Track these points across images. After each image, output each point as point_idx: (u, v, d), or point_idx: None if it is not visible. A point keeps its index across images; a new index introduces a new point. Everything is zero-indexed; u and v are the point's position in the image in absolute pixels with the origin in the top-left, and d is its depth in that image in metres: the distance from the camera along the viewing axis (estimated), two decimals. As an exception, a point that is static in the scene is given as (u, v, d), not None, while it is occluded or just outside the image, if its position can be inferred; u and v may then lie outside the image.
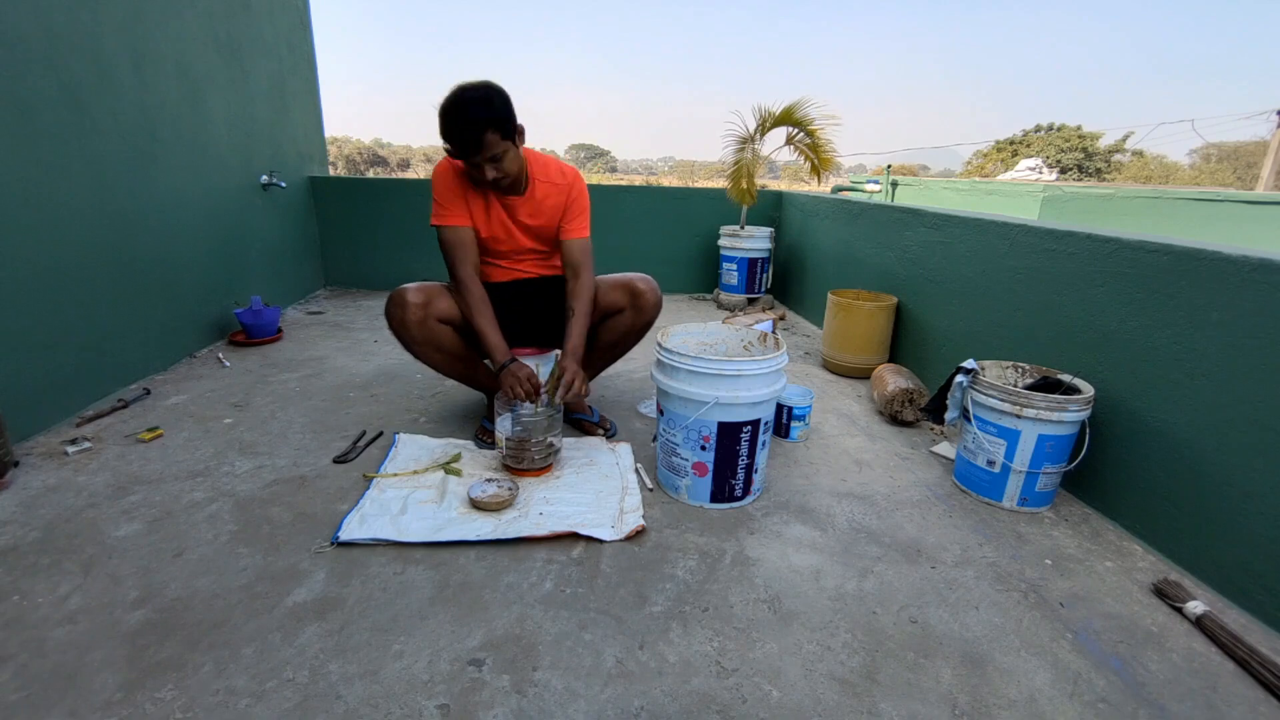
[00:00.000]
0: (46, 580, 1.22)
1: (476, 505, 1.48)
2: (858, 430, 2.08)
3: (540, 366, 1.89)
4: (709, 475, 1.54)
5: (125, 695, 0.98)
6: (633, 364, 2.56)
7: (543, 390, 1.67)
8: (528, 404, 1.68)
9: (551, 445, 1.67)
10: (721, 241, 3.84)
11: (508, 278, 1.87)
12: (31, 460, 1.67)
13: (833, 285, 3.00)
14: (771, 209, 4.12)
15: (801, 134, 3.53)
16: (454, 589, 1.24)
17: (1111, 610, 1.25)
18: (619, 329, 1.85)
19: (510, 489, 1.52)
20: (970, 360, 1.67)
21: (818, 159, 3.53)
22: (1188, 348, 1.39)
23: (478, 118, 1.52)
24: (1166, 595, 1.27)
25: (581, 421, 1.97)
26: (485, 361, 1.83)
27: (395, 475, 1.63)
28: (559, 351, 1.92)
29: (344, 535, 1.37)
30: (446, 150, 1.60)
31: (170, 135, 2.45)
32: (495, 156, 1.57)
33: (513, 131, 1.59)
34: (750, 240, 3.72)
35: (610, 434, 1.94)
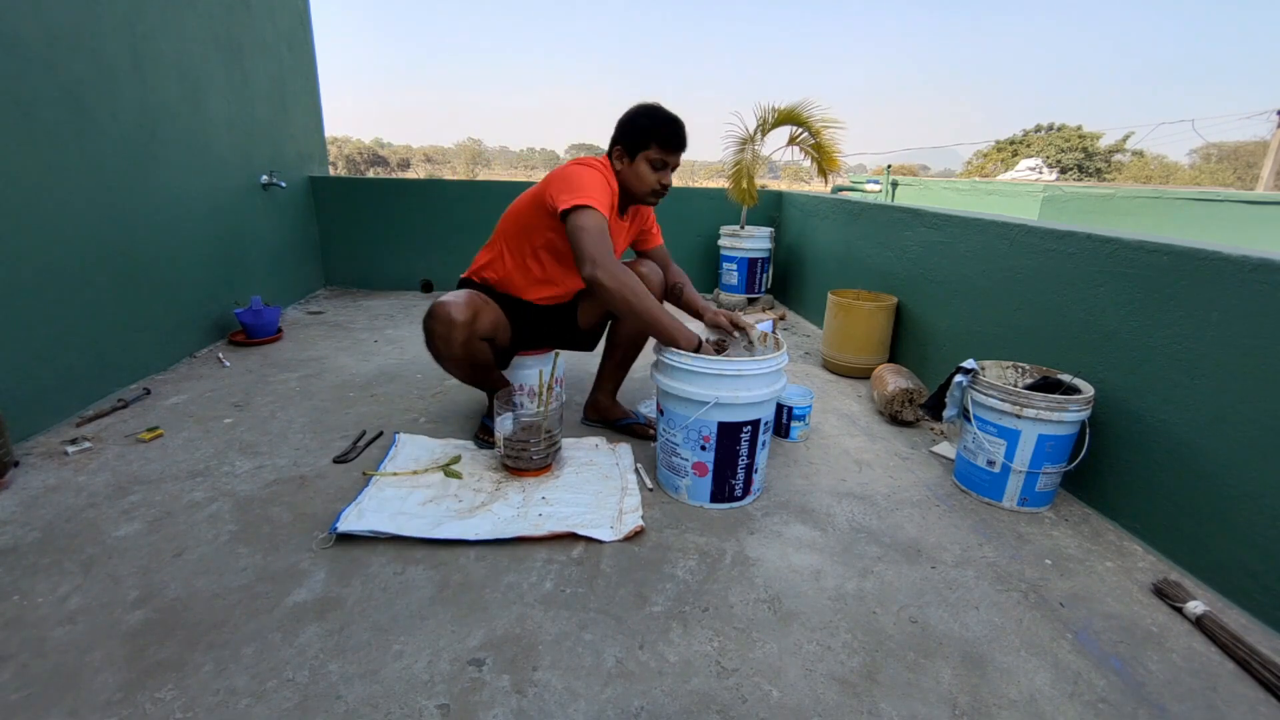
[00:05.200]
0: (46, 580, 1.22)
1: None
2: (858, 430, 2.08)
3: (541, 367, 1.89)
4: (709, 475, 1.54)
5: (125, 695, 0.98)
6: (634, 364, 2.56)
7: (541, 390, 1.67)
8: (528, 404, 1.68)
9: (552, 445, 1.67)
10: (721, 241, 3.84)
11: (553, 301, 1.85)
12: (31, 460, 1.67)
13: (833, 285, 3.01)
14: (771, 209, 4.12)
15: (805, 134, 3.53)
16: (454, 589, 1.24)
17: (1111, 610, 1.25)
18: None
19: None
20: (970, 360, 1.67)
21: (823, 159, 3.53)
22: (1188, 348, 1.39)
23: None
24: (1166, 595, 1.27)
25: (631, 426, 1.96)
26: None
27: (395, 475, 1.63)
28: (558, 351, 1.92)
29: (342, 527, 1.37)
30: (659, 141, 1.63)
31: (170, 135, 2.45)
32: (677, 165, 1.70)
33: None
34: (750, 240, 3.72)
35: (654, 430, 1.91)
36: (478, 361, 1.69)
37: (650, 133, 1.63)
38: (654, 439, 1.88)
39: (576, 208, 1.52)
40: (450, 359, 1.66)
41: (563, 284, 1.82)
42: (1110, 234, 1.61)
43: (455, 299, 1.61)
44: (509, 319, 1.76)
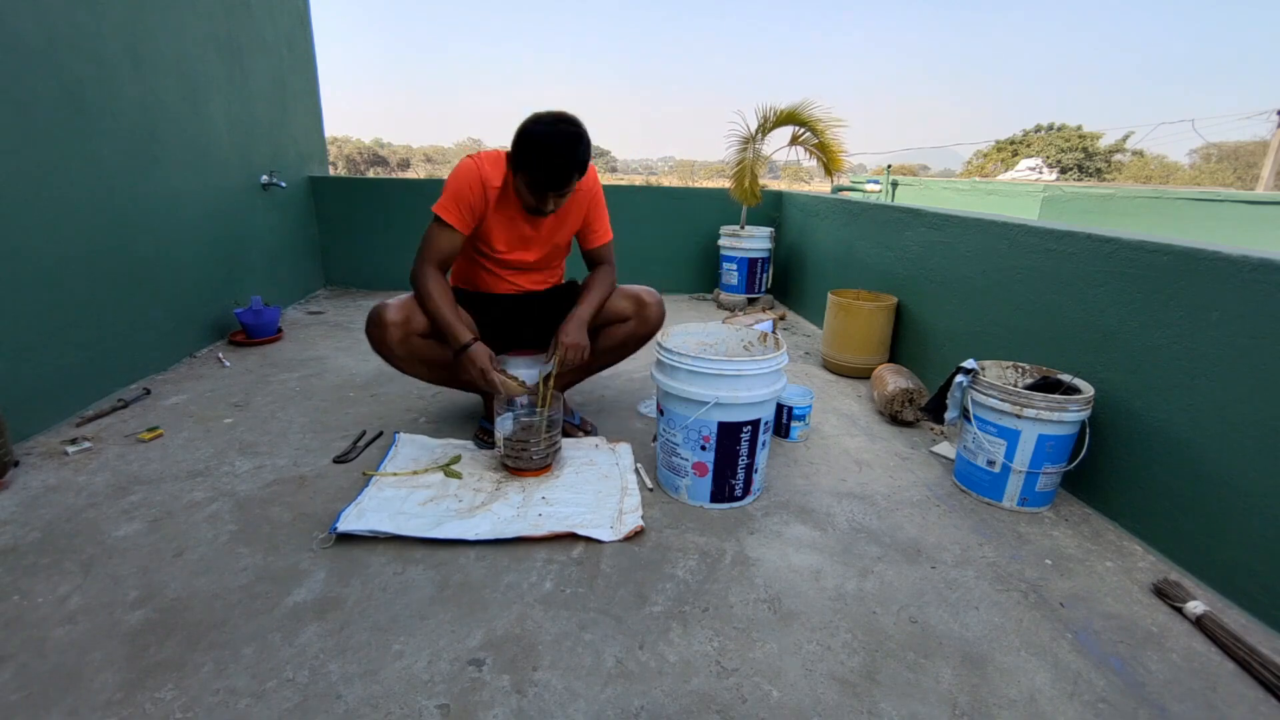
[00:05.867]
0: (46, 580, 1.22)
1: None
2: (858, 430, 2.08)
3: (536, 369, 1.89)
4: (709, 475, 1.54)
5: (125, 695, 0.98)
6: (633, 364, 2.55)
7: (538, 389, 1.67)
8: (529, 404, 1.68)
9: (552, 445, 1.67)
10: (721, 241, 3.84)
11: (511, 290, 1.86)
12: (31, 460, 1.67)
13: (833, 285, 3.00)
14: (771, 209, 4.12)
15: (808, 134, 3.54)
16: (454, 589, 1.24)
17: (1111, 610, 1.25)
18: (620, 335, 1.86)
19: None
20: (970, 360, 1.67)
21: (827, 159, 3.53)
22: (1188, 348, 1.39)
23: (579, 160, 1.52)
24: (1166, 595, 1.27)
25: (563, 424, 1.95)
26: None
27: (395, 474, 1.63)
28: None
29: (342, 526, 1.37)
30: (527, 176, 1.52)
31: (170, 135, 2.45)
32: (566, 193, 1.58)
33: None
34: (750, 240, 3.72)
35: (591, 434, 1.93)
36: (424, 359, 1.72)
37: (525, 164, 1.52)
38: (589, 435, 1.91)
39: (433, 213, 1.70)
40: (394, 359, 1.70)
41: (503, 270, 1.85)
42: (1110, 234, 1.61)
43: (392, 301, 1.66)
44: (482, 314, 1.79)
